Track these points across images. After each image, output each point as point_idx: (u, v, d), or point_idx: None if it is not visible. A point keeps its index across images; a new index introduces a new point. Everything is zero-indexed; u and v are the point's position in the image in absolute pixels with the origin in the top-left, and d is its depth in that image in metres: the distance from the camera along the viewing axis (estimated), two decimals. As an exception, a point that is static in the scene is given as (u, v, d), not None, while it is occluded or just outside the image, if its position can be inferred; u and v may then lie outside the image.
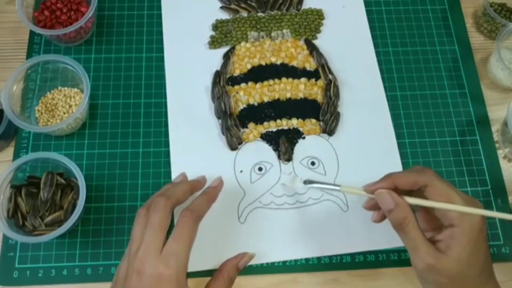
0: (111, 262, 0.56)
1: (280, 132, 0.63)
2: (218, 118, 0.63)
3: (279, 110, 0.64)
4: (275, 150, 0.62)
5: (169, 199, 0.47)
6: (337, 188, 0.51)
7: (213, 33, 0.69)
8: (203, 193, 0.53)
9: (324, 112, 0.64)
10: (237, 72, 0.66)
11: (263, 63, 0.67)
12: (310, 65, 0.67)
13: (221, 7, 0.71)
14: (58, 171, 0.57)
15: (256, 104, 0.64)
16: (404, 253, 0.58)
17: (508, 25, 0.66)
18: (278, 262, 0.57)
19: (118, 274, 0.45)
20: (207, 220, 0.55)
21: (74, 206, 0.55)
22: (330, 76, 0.66)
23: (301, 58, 0.68)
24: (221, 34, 0.69)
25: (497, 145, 0.65)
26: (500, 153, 0.65)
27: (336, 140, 0.63)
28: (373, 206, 0.50)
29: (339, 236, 0.58)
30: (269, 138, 0.63)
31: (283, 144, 0.62)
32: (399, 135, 0.64)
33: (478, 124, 0.66)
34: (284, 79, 0.66)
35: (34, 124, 0.62)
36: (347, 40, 0.69)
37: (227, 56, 0.67)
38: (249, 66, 0.67)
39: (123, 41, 0.68)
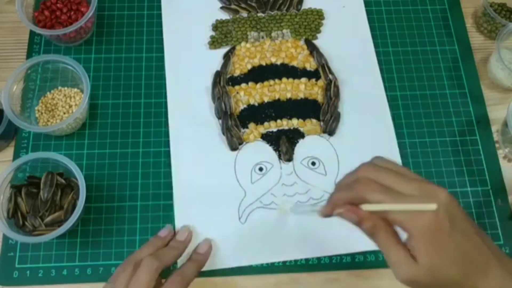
0: (111, 262, 0.56)
1: (281, 132, 0.63)
2: (219, 118, 0.63)
3: (279, 110, 0.64)
4: (275, 150, 0.62)
5: (162, 264, 0.49)
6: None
7: (213, 33, 0.69)
8: (193, 261, 0.53)
9: (324, 112, 0.64)
10: (237, 72, 0.66)
11: (263, 63, 0.67)
12: (310, 65, 0.67)
13: (221, 7, 0.71)
14: (58, 171, 0.56)
15: (256, 104, 0.64)
16: (404, 253, 0.58)
17: (508, 25, 0.66)
18: (278, 262, 0.57)
19: None
20: (207, 220, 0.55)
21: (74, 206, 0.54)
22: (330, 76, 0.66)
23: (301, 58, 0.68)
24: (221, 34, 0.69)
25: (497, 145, 0.65)
26: (500, 153, 0.65)
27: (337, 140, 0.63)
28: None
29: (339, 236, 0.57)
30: (270, 138, 0.63)
31: (284, 144, 0.62)
32: (399, 135, 0.64)
33: (478, 124, 0.66)
34: (284, 79, 0.66)
35: (34, 124, 0.61)
36: (347, 40, 0.69)
37: (227, 56, 0.67)
38: (249, 66, 0.67)
39: (123, 41, 0.68)
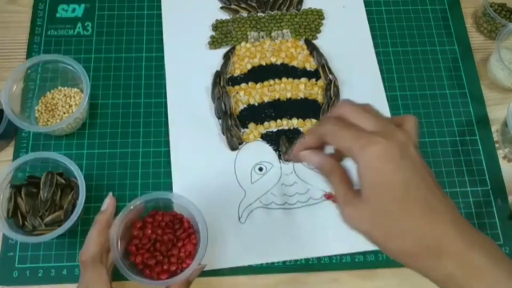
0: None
1: (281, 132, 0.63)
2: (219, 118, 0.63)
3: (279, 110, 0.64)
4: (275, 150, 0.62)
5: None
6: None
7: (213, 33, 0.69)
8: (92, 225, 0.51)
9: (324, 112, 0.64)
10: (237, 72, 0.66)
11: (263, 63, 0.67)
12: (310, 65, 0.67)
13: (221, 7, 0.71)
14: (58, 171, 0.56)
15: (256, 104, 0.64)
16: (404, 253, 0.58)
17: (508, 25, 0.66)
18: (278, 262, 0.57)
19: None
20: (207, 220, 0.55)
21: (74, 206, 0.54)
22: (330, 76, 0.66)
23: (301, 58, 0.68)
24: (221, 34, 0.69)
25: (497, 145, 0.65)
26: (500, 153, 0.65)
27: (336, 140, 0.63)
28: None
29: (339, 236, 0.58)
30: (270, 138, 0.63)
31: (284, 144, 0.62)
32: (399, 135, 0.64)
33: (478, 124, 0.66)
34: (284, 79, 0.66)
35: (34, 124, 0.61)
36: (347, 40, 0.69)
37: (227, 56, 0.67)
38: (249, 66, 0.67)
39: (123, 41, 0.68)
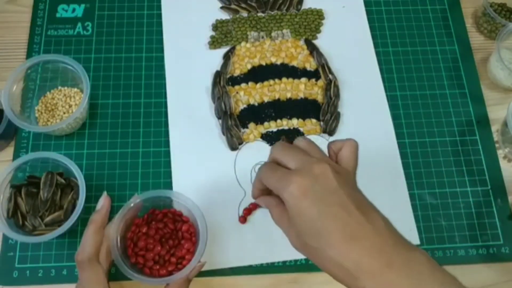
0: (111, 262, 0.56)
1: (281, 132, 0.63)
2: (219, 118, 0.63)
3: (279, 110, 0.64)
4: (275, 150, 0.62)
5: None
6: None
7: (213, 33, 0.69)
8: (88, 225, 0.50)
9: (324, 112, 0.64)
10: (237, 72, 0.66)
11: (263, 63, 0.67)
12: (310, 65, 0.67)
13: (221, 7, 0.71)
14: (58, 171, 0.56)
15: (256, 104, 0.64)
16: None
17: (508, 25, 0.66)
18: (278, 262, 0.57)
19: None
20: (207, 220, 0.55)
21: (74, 206, 0.54)
22: (330, 76, 0.66)
23: (301, 58, 0.68)
24: (221, 34, 0.69)
25: (497, 145, 0.65)
26: (500, 153, 0.65)
27: (336, 140, 0.63)
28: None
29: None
30: (270, 138, 0.63)
31: (283, 144, 0.62)
32: (399, 135, 0.64)
33: (478, 124, 0.66)
34: (284, 79, 0.66)
35: (34, 124, 0.61)
36: (347, 40, 0.69)
37: (227, 56, 0.67)
38: (249, 66, 0.67)
39: (123, 41, 0.68)
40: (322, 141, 0.63)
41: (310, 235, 0.38)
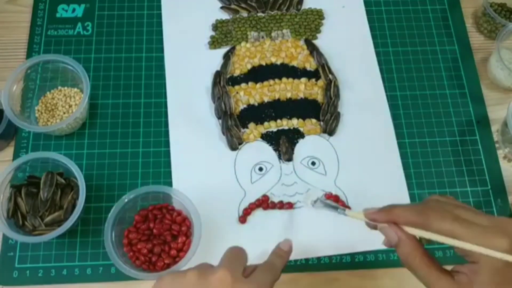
0: (110, 262, 0.55)
1: (281, 132, 0.63)
2: (219, 118, 0.63)
3: (279, 110, 0.64)
4: (275, 150, 0.62)
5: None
6: (343, 213, 0.48)
7: (213, 33, 0.69)
8: (279, 255, 0.49)
9: (324, 112, 0.64)
10: (237, 72, 0.66)
11: (263, 63, 0.67)
12: (310, 65, 0.67)
13: (221, 7, 0.71)
14: (58, 171, 0.56)
15: (256, 104, 0.64)
16: (404, 253, 0.58)
17: (508, 25, 0.66)
18: (278, 262, 0.57)
19: None
20: (207, 220, 0.55)
21: (74, 206, 0.54)
22: (330, 76, 0.66)
23: (301, 58, 0.68)
24: (221, 34, 0.69)
25: (497, 145, 0.65)
26: (500, 153, 0.65)
27: (336, 140, 0.63)
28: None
29: (339, 236, 0.57)
30: (270, 138, 0.63)
31: (284, 144, 0.62)
32: (399, 135, 0.64)
33: (478, 124, 0.66)
34: (284, 79, 0.66)
35: (34, 124, 0.61)
36: (347, 40, 0.69)
37: (227, 56, 0.67)
38: (249, 66, 0.67)
39: (123, 41, 0.68)
40: (322, 141, 0.63)
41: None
